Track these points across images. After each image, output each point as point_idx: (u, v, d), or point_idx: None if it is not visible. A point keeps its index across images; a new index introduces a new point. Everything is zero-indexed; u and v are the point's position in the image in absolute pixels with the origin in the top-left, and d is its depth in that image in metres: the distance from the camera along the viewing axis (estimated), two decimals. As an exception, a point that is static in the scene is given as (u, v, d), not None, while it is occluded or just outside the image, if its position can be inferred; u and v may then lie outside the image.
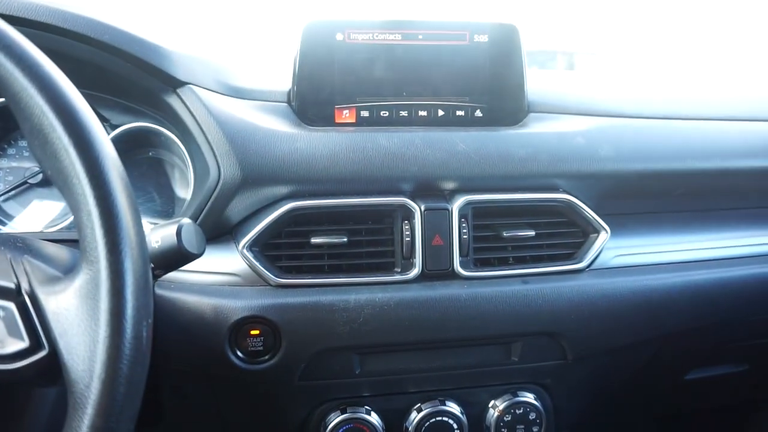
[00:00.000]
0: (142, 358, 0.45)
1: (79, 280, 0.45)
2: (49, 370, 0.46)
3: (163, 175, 0.91)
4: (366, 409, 0.83)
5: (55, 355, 0.45)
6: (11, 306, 0.47)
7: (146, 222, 0.84)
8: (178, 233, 0.59)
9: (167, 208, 0.89)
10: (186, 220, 0.61)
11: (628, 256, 0.89)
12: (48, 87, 0.45)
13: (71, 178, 0.44)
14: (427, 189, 0.81)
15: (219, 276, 0.77)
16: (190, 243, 0.59)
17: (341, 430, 0.82)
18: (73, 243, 0.61)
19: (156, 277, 0.59)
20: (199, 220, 0.78)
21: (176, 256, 0.59)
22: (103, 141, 0.46)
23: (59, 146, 0.44)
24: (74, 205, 0.45)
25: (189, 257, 0.60)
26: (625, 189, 0.89)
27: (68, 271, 0.49)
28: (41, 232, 0.84)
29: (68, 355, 0.44)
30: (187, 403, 0.90)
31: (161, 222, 0.64)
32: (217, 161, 0.76)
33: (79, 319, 0.44)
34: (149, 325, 0.46)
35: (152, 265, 0.56)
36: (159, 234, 0.59)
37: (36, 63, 0.45)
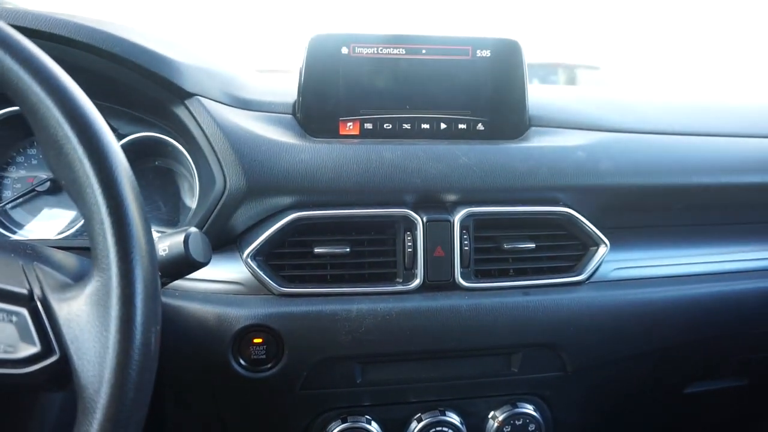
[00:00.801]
0: (150, 365, 0.46)
1: (90, 287, 0.46)
2: (59, 374, 0.47)
3: (169, 184, 0.92)
4: (367, 418, 0.84)
5: (65, 360, 0.46)
6: (24, 312, 0.47)
7: (153, 231, 0.85)
8: (186, 242, 0.60)
9: (173, 216, 0.90)
10: (193, 229, 0.62)
11: (628, 269, 0.89)
12: (64, 99, 0.46)
13: (85, 188, 0.45)
14: (429, 201, 0.82)
15: (223, 284, 0.78)
16: (197, 252, 0.60)
17: (342, 439, 0.83)
18: (82, 251, 0.63)
19: (162, 285, 0.59)
20: (204, 229, 0.79)
21: (183, 265, 0.60)
22: (117, 152, 0.47)
23: (74, 157, 0.45)
24: (87, 214, 0.46)
25: (196, 266, 0.61)
26: (625, 203, 0.90)
27: (79, 278, 0.50)
28: (51, 239, 0.85)
29: (79, 361, 0.45)
30: (189, 411, 0.90)
31: (168, 231, 0.65)
32: (223, 171, 0.77)
33: (89, 325, 0.45)
34: (157, 332, 0.47)
35: (159, 273, 0.57)
36: (166, 243, 0.60)
37: (53, 76, 0.47)
